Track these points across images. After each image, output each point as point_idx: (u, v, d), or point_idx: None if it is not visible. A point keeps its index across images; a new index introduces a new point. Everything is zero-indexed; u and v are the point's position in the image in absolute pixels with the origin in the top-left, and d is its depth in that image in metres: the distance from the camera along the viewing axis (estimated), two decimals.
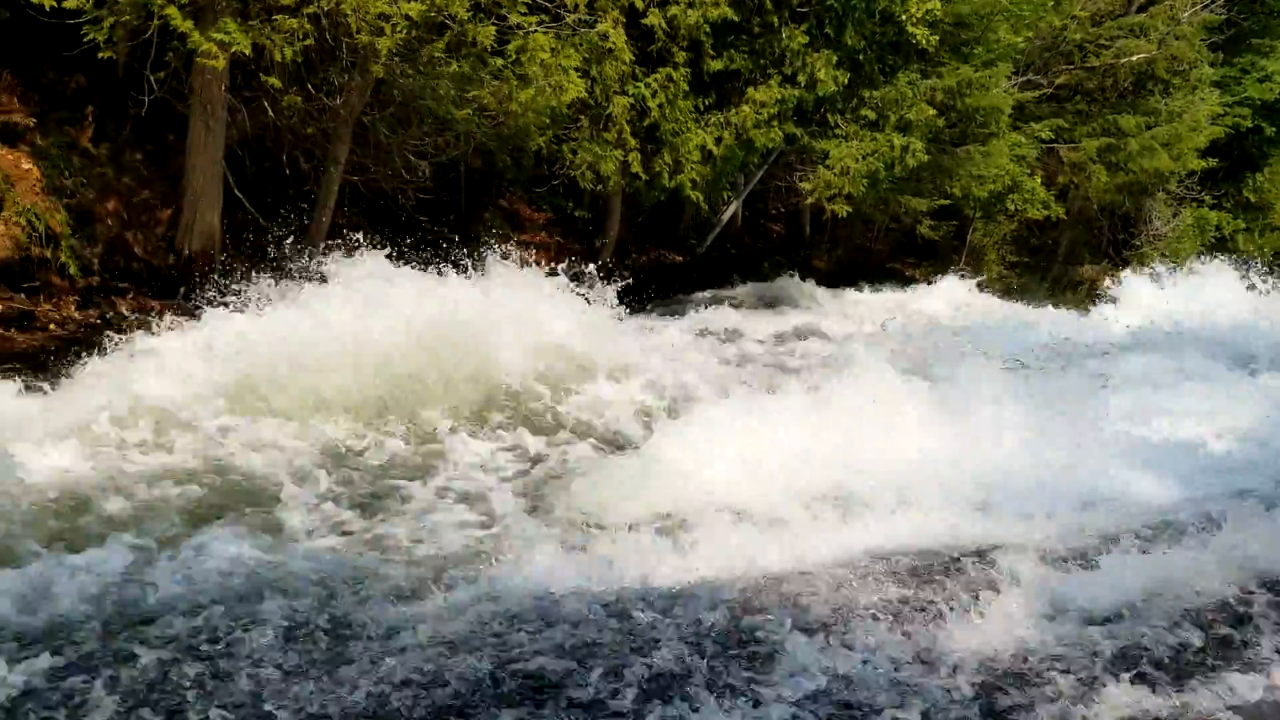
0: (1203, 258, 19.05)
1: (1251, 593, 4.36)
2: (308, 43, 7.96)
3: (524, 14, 8.87)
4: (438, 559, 4.41)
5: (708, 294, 13.68)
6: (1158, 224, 20.43)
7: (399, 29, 7.87)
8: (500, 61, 8.98)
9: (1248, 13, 21.74)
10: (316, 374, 6.02)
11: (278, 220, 9.14)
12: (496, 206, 13.77)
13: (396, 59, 8.61)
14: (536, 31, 8.96)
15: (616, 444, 6.04)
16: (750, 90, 12.51)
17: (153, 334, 6.18)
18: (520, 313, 6.99)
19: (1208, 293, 13.48)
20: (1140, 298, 13.78)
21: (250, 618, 3.63)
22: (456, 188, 12.45)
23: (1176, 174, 19.57)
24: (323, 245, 8.23)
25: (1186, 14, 19.50)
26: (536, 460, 5.91)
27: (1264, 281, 14.28)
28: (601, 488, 5.14)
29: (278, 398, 5.88)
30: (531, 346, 6.87)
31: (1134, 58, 18.50)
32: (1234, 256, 18.46)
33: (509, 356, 6.74)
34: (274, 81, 8.28)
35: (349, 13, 7.78)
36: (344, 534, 4.67)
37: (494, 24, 8.65)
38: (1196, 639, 3.91)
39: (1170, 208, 20.79)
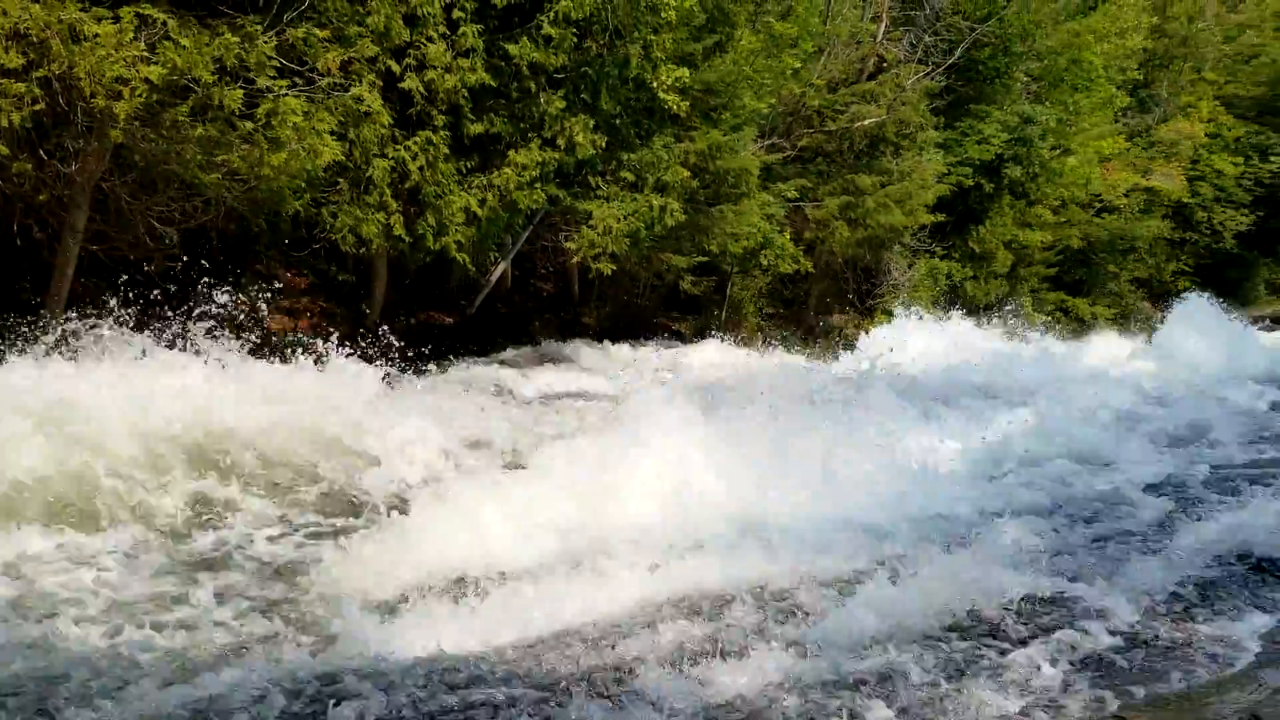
0: (937, 304, 20.78)
1: (984, 610, 4.78)
2: (38, 108, 7.52)
3: (273, 77, 8.70)
4: (197, 644, 4.20)
5: (478, 354, 13.68)
6: (896, 274, 22.02)
7: (139, 93, 7.55)
8: (250, 125, 8.75)
9: (964, 80, 23.99)
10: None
11: (8, 292, 8.52)
12: (254, 272, 13.30)
13: (137, 123, 8.25)
14: (287, 95, 8.81)
15: (384, 513, 5.93)
16: (511, 153, 12.69)
17: None
18: (273, 382, 6.79)
19: (941, 336, 14.70)
20: (878, 343, 14.82)
21: None
22: (209, 254, 11.96)
23: (909, 228, 21.16)
24: (62, 316, 7.74)
25: (911, 82, 21.32)
26: (292, 536, 5.73)
27: (988, 325, 15.71)
28: (367, 560, 5.05)
29: None
30: (284, 418, 6.67)
31: (866, 122, 20.00)
32: (962, 304, 20.24)
33: (254, 431, 6.51)
34: (0, 148, 7.75)
35: (83, 76, 7.41)
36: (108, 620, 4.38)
37: (241, 88, 8.44)
38: (949, 657, 4.25)
39: (906, 259, 22.46)
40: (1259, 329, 23.75)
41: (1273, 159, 34.99)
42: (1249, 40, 36.58)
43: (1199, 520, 6.34)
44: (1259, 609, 4.98)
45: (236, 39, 8.30)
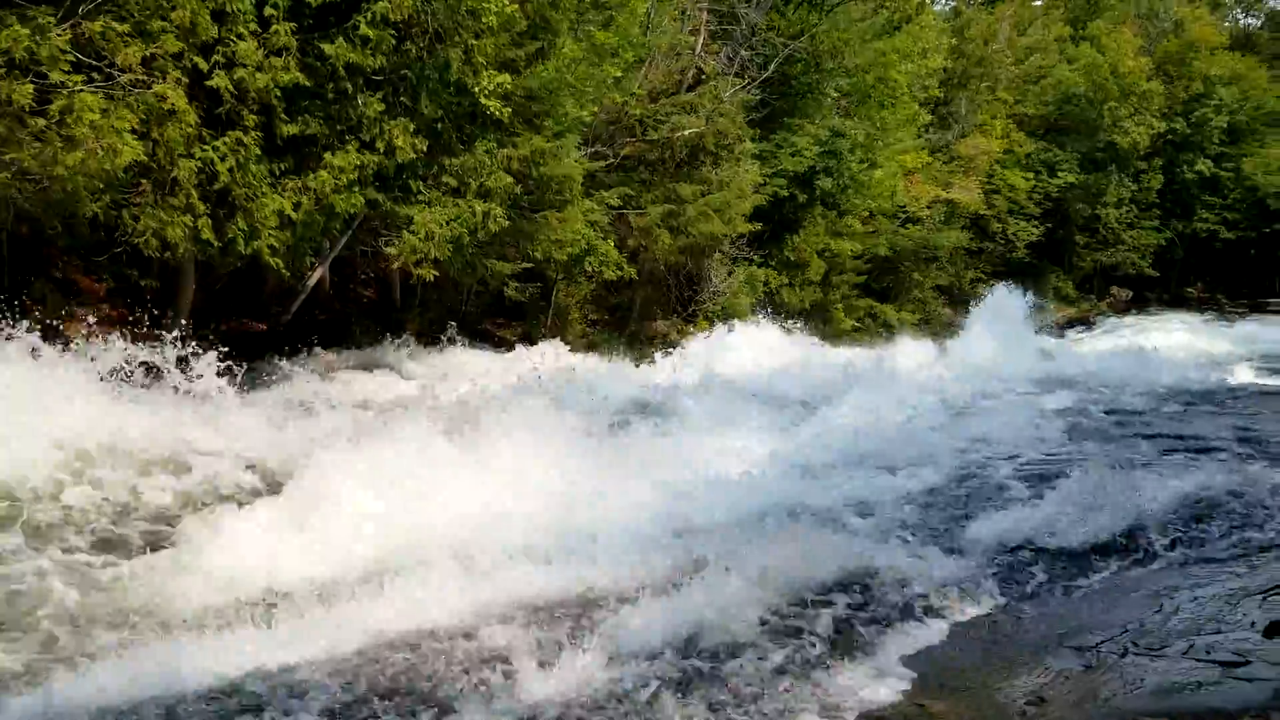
0: (756, 310, 21.44)
1: (792, 608, 5.01)
2: None
3: (68, 72, 8.24)
4: None
5: (292, 362, 13.26)
6: (716, 282, 22.55)
7: None
8: (42, 122, 8.26)
9: (779, 94, 24.82)
10: None
11: None
12: (49, 278, 12.52)
13: None
14: (83, 91, 8.36)
15: (176, 529, 5.70)
16: (328, 155, 12.36)
17: None
18: (56, 398, 6.41)
19: (756, 342, 15.18)
20: (700, 349, 15.20)
21: None
22: None
23: (729, 236, 21.71)
24: None
25: (728, 94, 21.92)
26: (71, 556, 5.44)
27: (799, 331, 16.32)
28: (158, 580, 4.86)
29: None
30: (72, 435, 6.30)
31: (686, 132, 20.40)
32: (779, 310, 20.95)
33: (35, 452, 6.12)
34: None
35: None
36: None
37: (32, 83, 7.96)
38: (758, 656, 4.42)
39: (726, 267, 23.05)
40: (1049, 334, 25.61)
41: (1059, 174, 37.82)
42: (1036, 63, 39.34)
43: (986, 516, 6.82)
44: (1040, 597, 5.40)
45: (26, 31, 7.84)
